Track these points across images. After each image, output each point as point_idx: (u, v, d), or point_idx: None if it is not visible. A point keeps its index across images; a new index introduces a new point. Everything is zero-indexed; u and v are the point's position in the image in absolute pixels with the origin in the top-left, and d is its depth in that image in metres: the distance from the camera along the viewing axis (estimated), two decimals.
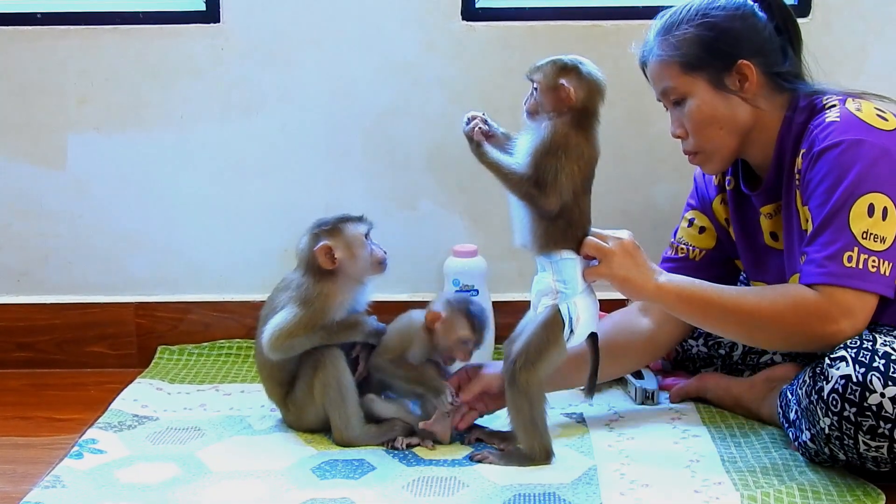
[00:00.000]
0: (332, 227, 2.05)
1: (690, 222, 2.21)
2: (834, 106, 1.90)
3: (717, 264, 2.18)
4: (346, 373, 2.03)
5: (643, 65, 2.04)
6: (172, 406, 2.26)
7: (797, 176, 1.91)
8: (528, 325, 1.94)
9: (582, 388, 2.26)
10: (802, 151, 1.89)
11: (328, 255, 2.02)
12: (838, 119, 1.86)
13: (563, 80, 1.86)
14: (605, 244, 1.89)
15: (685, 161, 2.46)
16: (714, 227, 2.18)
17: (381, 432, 2.03)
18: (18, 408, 2.33)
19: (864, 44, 2.51)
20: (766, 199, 2.03)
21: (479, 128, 1.89)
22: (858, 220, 1.80)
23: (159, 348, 2.58)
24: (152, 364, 2.52)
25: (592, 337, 1.93)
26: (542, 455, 1.93)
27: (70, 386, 2.46)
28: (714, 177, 2.16)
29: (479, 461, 1.95)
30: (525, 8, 2.54)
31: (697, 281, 1.94)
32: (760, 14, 1.95)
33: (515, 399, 1.91)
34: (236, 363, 2.52)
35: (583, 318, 1.88)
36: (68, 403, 2.34)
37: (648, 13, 2.51)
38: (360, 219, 2.08)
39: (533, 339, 1.90)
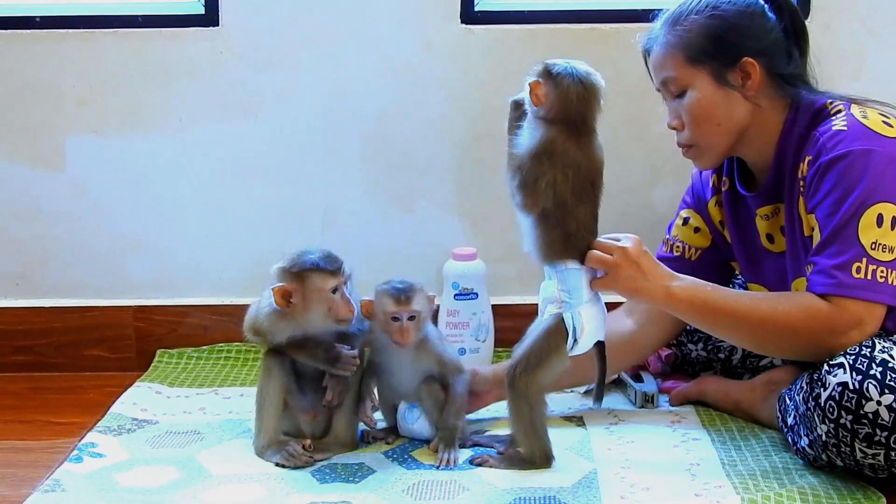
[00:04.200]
0: (298, 272, 1.96)
1: (685, 221, 2.21)
2: (840, 112, 1.90)
3: (713, 265, 2.18)
4: (272, 383, 2.01)
5: (646, 53, 2.04)
6: (172, 409, 2.26)
7: (800, 182, 1.91)
8: (532, 330, 1.94)
9: (582, 389, 2.27)
10: (809, 158, 1.89)
11: (284, 298, 1.95)
12: (846, 128, 1.86)
13: (538, 81, 1.84)
14: (609, 256, 1.86)
15: (684, 164, 2.46)
16: (708, 229, 2.18)
17: (276, 451, 1.99)
18: (17, 411, 2.33)
19: (863, 46, 2.51)
20: (763, 200, 2.03)
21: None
22: (867, 231, 1.80)
23: (158, 352, 2.57)
24: (151, 367, 2.52)
25: (599, 345, 1.92)
26: (542, 459, 1.93)
27: (69, 389, 2.46)
28: (710, 177, 2.15)
29: (479, 465, 1.95)
30: (524, 11, 2.54)
31: (709, 286, 1.92)
32: (770, 15, 1.95)
33: (516, 403, 1.91)
34: (235, 366, 2.52)
35: (587, 329, 1.87)
36: (67, 407, 2.33)
37: (647, 16, 2.52)
38: (332, 271, 1.95)
39: (535, 346, 1.90)
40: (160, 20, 2.53)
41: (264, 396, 2.02)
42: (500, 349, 2.53)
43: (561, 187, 1.83)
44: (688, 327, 2.25)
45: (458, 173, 2.58)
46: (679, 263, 2.15)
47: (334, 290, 1.96)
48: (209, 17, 2.52)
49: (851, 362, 1.74)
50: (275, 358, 2.03)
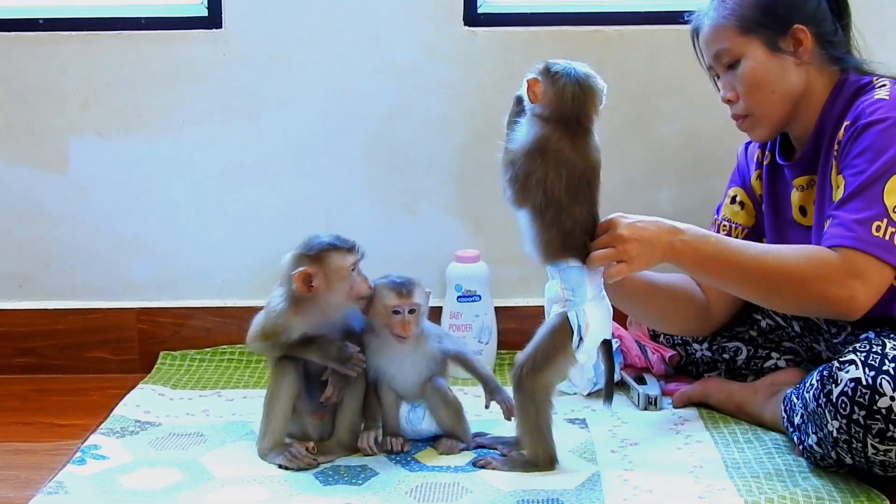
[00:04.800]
0: (317, 254, 1.98)
1: (732, 199, 2.23)
2: (884, 86, 1.94)
3: None
4: (285, 387, 2.01)
5: (695, 32, 2.07)
6: (175, 412, 2.26)
7: (836, 146, 1.93)
8: (539, 330, 1.94)
9: (586, 391, 2.26)
10: (846, 124, 1.92)
11: (305, 282, 1.96)
12: (887, 98, 1.89)
13: (536, 78, 1.86)
14: (610, 249, 1.86)
15: (687, 166, 2.46)
16: (752, 204, 2.20)
17: (279, 453, 1.99)
18: (20, 413, 2.33)
19: None
20: (800, 170, 2.05)
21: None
22: (892, 195, 1.83)
23: (161, 354, 2.57)
24: (154, 369, 2.52)
25: (605, 344, 1.92)
26: (546, 461, 1.93)
27: (72, 391, 2.46)
28: (756, 152, 2.17)
29: (483, 467, 1.95)
30: (527, 13, 2.54)
31: (713, 236, 1.93)
32: None
33: (522, 404, 1.91)
34: (238, 368, 2.52)
35: (592, 327, 1.87)
36: (70, 409, 2.33)
37: (650, 18, 2.53)
38: (349, 248, 1.99)
39: (541, 345, 1.90)
40: (163, 22, 2.53)
41: (275, 399, 2.02)
42: (502, 351, 2.53)
43: (554, 186, 1.83)
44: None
45: (460, 175, 2.58)
46: None
47: (353, 269, 1.99)
48: (212, 20, 2.52)
49: (864, 359, 1.75)
50: (288, 361, 2.02)
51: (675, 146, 2.52)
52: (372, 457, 2.01)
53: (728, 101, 2.04)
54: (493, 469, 1.94)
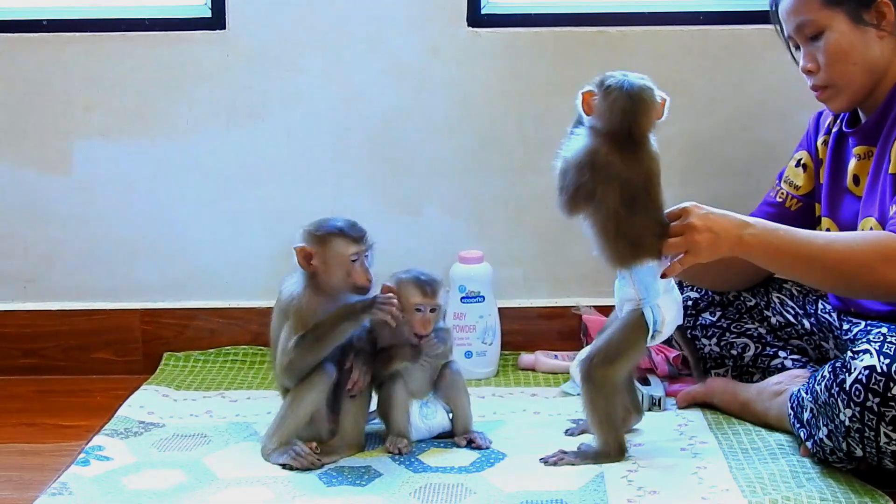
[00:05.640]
0: (322, 236, 2.01)
1: (798, 161, 2.25)
2: None
3: (809, 219, 2.20)
4: (313, 397, 1.99)
5: (774, 3, 2.10)
6: (178, 413, 2.26)
7: None
8: (611, 322, 1.98)
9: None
10: None
11: (305, 259, 2.00)
12: None
13: (591, 91, 1.88)
14: (681, 237, 1.87)
15: (691, 165, 2.46)
16: (814, 167, 2.22)
17: (282, 452, 1.98)
18: (24, 414, 2.33)
19: None
20: (861, 139, 2.07)
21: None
22: None
23: (165, 355, 2.58)
24: (158, 370, 2.52)
25: (679, 329, 1.99)
26: (617, 451, 1.95)
27: (76, 392, 2.46)
28: (828, 119, 2.19)
29: (555, 464, 1.95)
30: (530, 14, 2.54)
31: (781, 229, 1.94)
32: None
33: (591, 395, 1.94)
34: (242, 369, 2.52)
35: (667, 318, 1.91)
36: (74, 410, 2.34)
37: (654, 19, 2.53)
38: (356, 238, 2.00)
39: (614, 338, 1.94)
40: (167, 23, 2.54)
41: (297, 404, 2.00)
42: (506, 352, 2.53)
43: (608, 199, 1.86)
44: (701, 322, 2.28)
45: (464, 176, 2.57)
46: (777, 210, 2.21)
47: (354, 259, 1.99)
48: (216, 21, 2.53)
49: (878, 348, 1.75)
50: (322, 372, 2.01)
51: (679, 147, 2.52)
52: (375, 457, 2.01)
53: (808, 72, 2.06)
54: (567, 465, 1.95)
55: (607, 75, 1.88)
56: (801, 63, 2.07)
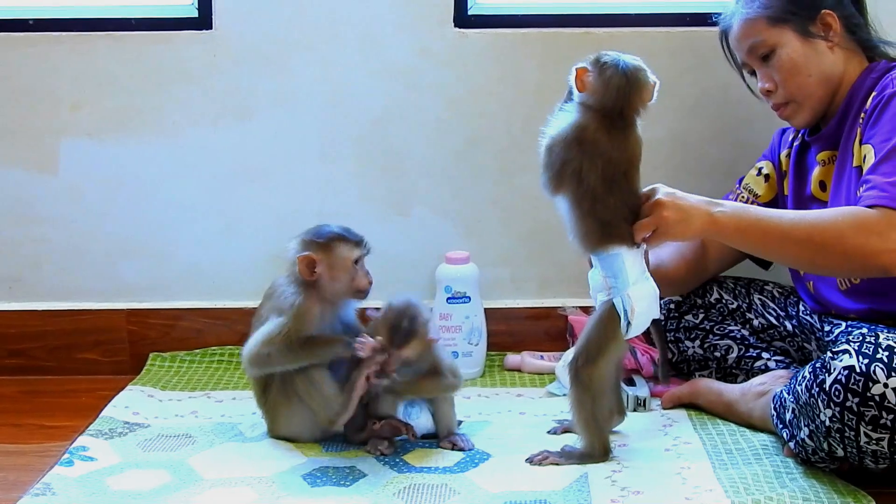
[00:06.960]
0: (325, 242, 2.03)
1: (759, 171, 2.29)
2: None
3: None
4: (325, 371, 2.01)
5: (724, 33, 2.15)
6: (164, 413, 2.26)
7: (861, 116, 1.98)
8: (589, 321, 1.99)
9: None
10: (873, 95, 1.98)
11: (308, 267, 2.01)
12: None
13: (585, 67, 1.88)
14: (650, 216, 1.89)
15: (678, 169, 2.48)
16: (776, 179, 2.25)
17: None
18: (9, 415, 2.33)
19: None
20: (823, 145, 2.10)
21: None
22: None
23: (151, 355, 2.57)
24: (144, 371, 2.51)
25: (655, 323, 1.97)
26: (602, 452, 1.96)
27: (61, 393, 2.46)
28: (791, 134, 2.22)
29: (539, 463, 1.95)
30: (517, 14, 2.54)
31: (751, 207, 1.99)
32: None
33: (579, 395, 1.94)
34: (228, 370, 2.52)
35: (638, 308, 1.90)
36: (59, 410, 2.33)
37: (641, 20, 2.53)
38: (357, 242, 2.06)
39: (591, 336, 1.94)
40: (154, 23, 2.53)
41: (312, 379, 2.00)
42: (492, 353, 2.53)
43: (589, 176, 1.86)
44: (684, 324, 2.29)
45: (452, 177, 2.57)
46: None
47: (357, 262, 2.03)
48: (203, 21, 2.52)
49: (857, 348, 1.76)
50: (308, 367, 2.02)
51: (666, 147, 2.52)
52: (360, 458, 2.01)
53: (767, 92, 2.10)
54: (551, 464, 1.95)
55: (602, 53, 1.89)
56: (759, 85, 2.11)
